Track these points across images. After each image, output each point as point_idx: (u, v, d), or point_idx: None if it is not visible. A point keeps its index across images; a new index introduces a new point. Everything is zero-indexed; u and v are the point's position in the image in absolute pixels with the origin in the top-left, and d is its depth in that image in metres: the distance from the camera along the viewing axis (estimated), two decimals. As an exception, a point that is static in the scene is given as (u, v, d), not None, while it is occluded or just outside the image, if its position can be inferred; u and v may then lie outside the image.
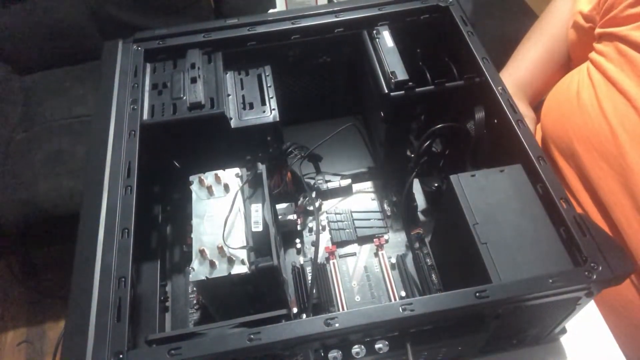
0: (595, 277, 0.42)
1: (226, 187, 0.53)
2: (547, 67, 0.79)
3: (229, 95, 0.61)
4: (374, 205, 0.69)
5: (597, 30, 0.68)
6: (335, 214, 0.68)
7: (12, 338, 1.45)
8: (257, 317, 0.44)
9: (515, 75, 0.79)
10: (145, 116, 0.56)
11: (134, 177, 0.51)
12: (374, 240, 0.65)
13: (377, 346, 0.45)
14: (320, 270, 0.61)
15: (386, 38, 0.61)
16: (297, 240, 0.66)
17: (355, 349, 0.45)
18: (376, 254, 0.64)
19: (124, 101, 0.57)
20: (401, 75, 0.57)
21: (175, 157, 0.61)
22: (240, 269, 0.47)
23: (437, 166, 0.66)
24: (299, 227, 0.67)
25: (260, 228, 0.50)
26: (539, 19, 0.82)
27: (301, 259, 0.65)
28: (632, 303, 0.63)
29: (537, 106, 0.79)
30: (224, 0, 1.49)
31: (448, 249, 0.58)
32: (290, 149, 0.64)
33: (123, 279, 0.44)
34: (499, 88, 0.54)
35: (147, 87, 0.59)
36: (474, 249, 0.45)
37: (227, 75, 0.63)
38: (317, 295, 0.59)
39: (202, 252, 0.47)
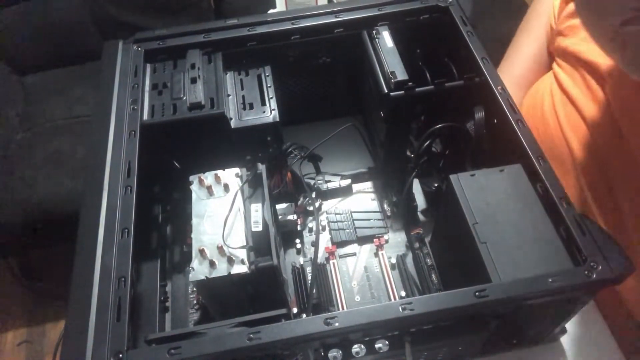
0: (595, 276, 0.42)
1: (226, 187, 0.53)
2: (540, 62, 0.78)
3: (229, 95, 0.61)
4: (374, 205, 0.69)
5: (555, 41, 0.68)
6: (335, 214, 0.68)
7: (12, 338, 1.45)
8: (256, 316, 0.44)
9: (511, 73, 0.78)
10: (145, 116, 0.56)
11: (134, 177, 0.51)
12: (374, 240, 0.65)
13: (377, 345, 0.45)
14: (320, 270, 0.62)
15: (386, 38, 0.61)
16: (297, 240, 0.66)
17: (355, 348, 0.45)
18: (376, 254, 0.64)
19: (124, 101, 0.57)
20: (401, 75, 0.57)
21: (175, 157, 0.61)
22: (240, 268, 0.47)
23: (437, 166, 0.66)
24: (299, 227, 0.67)
25: (260, 228, 0.50)
26: (528, 12, 0.80)
27: (301, 259, 0.65)
28: (630, 303, 0.63)
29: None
30: (224, 1, 1.50)
31: (448, 249, 0.58)
32: (290, 149, 0.64)
33: (123, 279, 0.44)
34: (499, 88, 0.54)
35: (147, 88, 0.59)
36: (473, 248, 0.45)
37: (227, 75, 0.63)
38: (317, 295, 0.59)
39: (202, 251, 0.47)
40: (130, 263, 0.45)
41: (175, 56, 0.62)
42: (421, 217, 0.68)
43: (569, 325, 0.56)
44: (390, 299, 0.60)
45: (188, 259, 0.57)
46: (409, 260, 0.63)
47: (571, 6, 0.63)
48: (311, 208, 0.67)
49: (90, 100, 1.34)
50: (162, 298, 0.58)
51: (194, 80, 0.58)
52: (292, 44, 0.64)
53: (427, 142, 0.60)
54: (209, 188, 0.52)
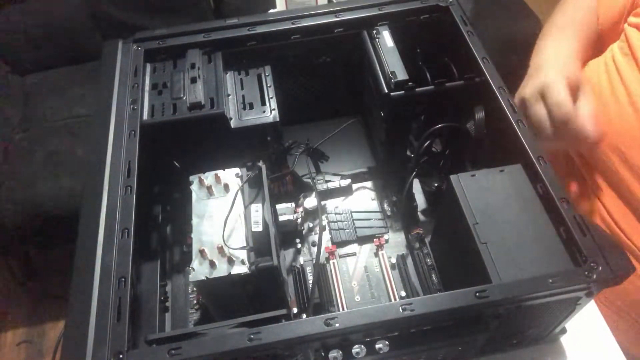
0: (595, 277, 0.42)
1: (226, 187, 0.53)
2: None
3: (229, 95, 0.61)
4: (374, 205, 0.69)
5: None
6: (335, 214, 0.68)
7: (12, 337, 1.45)
8: (257, 317, 0.44)
9: (567, 47, 0.69)
10: (145, 116, 0.56)
11: (134, 177, 0.51)
12: (374, 240, 0.65)
13: (377, 346, 0.45)
14: (321, 271, 0.61)
15: (386, 38, 0.61)
16: (297, 240, 0.66)
17: (356, 349, 0.45)
18: (376, 254, 0.64)
19: (124, 101, 0.57)
20: (401, 75, 0.57)
21: (175, 157, 0.61)
22: (240, 269, 0.47)
23: (437, 166, 0.66)
24: (299, 227, 0.66)
25: (260, 228, 0.50)
26: None
27: (301, 259, 0.65)
28: (638, 303, 0.63)
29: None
30: (224, 0, 1.49)
31: (448, 249, 0.58)
32: (291, 147, 0.64)
33: (123, 279, 0.44)
34: (499, 88, 0.54)
35: (147, 87, 0.59)
36: (473, 248, 0.45)
37: (227, 75, 0.63)
38: (317, 295, 0.59)
39: (202, 252, 0.47)
40: (131, 263, 0.45)
41: (175, 56, 0.62)
42: (421, 217, 0.68)
43: (569, 325, 0.56)
44: (390, 299, 0.60)
45: (188, 259, 0.57)
46: (409, 260, 0.63)
47: None
48: (311, 207, 0.67)
49: (90, 100, 1.34)
50: (162, 298, 0.58)
51: (193, 80, 0.58)
52: (292, 43, 0.64)
53: (427, 142, 0.60)
54: (209, 188, 0.52)
